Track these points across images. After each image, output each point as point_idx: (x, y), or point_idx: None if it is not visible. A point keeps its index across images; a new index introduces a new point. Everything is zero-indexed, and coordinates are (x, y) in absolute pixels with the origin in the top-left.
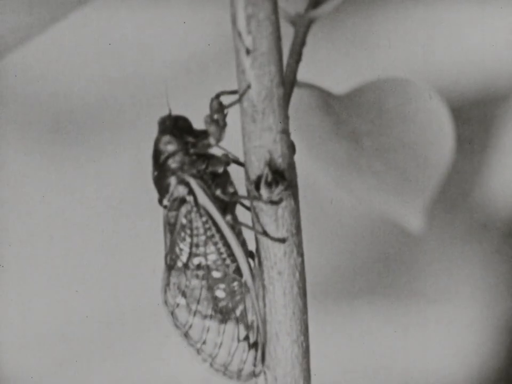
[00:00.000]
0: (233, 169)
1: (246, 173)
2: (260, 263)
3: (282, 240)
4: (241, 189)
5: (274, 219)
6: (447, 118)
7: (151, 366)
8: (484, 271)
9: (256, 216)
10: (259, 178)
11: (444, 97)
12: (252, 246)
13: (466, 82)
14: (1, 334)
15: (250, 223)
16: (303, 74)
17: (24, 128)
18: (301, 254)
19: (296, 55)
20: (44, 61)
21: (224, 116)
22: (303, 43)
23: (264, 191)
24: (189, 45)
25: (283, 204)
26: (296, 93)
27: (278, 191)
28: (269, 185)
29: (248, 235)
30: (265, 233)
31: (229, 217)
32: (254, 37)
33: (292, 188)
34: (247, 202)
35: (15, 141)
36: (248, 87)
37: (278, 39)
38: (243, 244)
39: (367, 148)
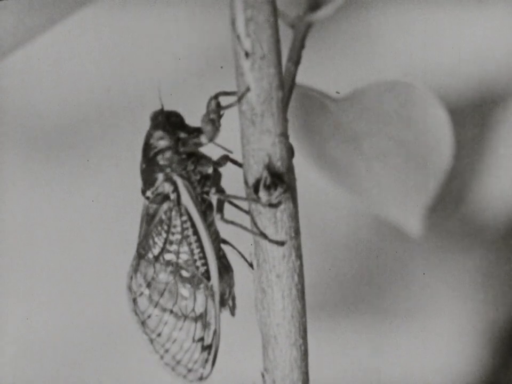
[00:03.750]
0: (230, 173)
1: (245, 175)
2: (259, 266)
3: (281, 243)
4: (240, 193)
5: (273, 222)
6: (446, 121)
7: (152, 372)
8: (482, 275)
9: (254, 219)
10: (258, 181)
11: (443, 100)
12: (248, 249)
13: (465, 84)
14: (0, 341)
15: (247, 226)
16: (302, 77)
17: (23, 131)
18: (299, 257)
19: (295, 58)
20: (43, 62)
21: (220, 116)
22: (302, 46)
23: (263, 194)
24: (188, 48)
25: (282, 206)
26: (295, 96)
27: (276, 194)
28: (267, 188)
29: (246, 237)
30: (264, 236)
31: (219, 216)
32: (253, 40)
33: (291, 190)
34: (244, 205)
35: (13, 143)
36: (247, 89)
37: (277, 42)
38: (218, 249)
39: (366, 151)
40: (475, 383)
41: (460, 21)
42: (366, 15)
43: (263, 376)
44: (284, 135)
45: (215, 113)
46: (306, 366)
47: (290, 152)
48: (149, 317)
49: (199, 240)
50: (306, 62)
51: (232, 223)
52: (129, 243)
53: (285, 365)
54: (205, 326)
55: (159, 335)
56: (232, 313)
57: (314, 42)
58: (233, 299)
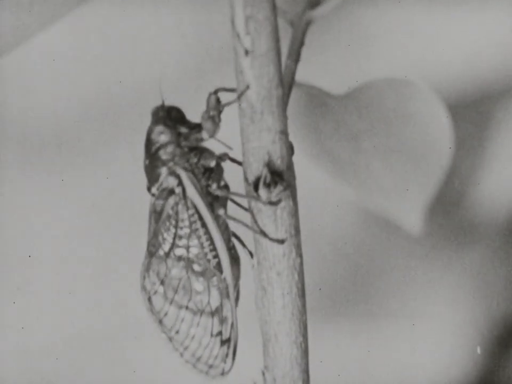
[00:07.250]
0: (231, 170)
1: (245, 173)
2: (259, 264)
3: (281, 241)
4: (240, 190)
5: (273, 220)
6: (445, 118)
7: (154, 373)
8: (481, 274)
9: (254, 217)
10: (258, 179)
11: (442, 98)
12: (250, 247)
13: (464, 82)
14: (1, 343)
15: (248, 223)
16: (301, 74)
17: (22, 130)
18: (299, 254)
19: (295, 56)
20: (42, 61)
21: (220, 112)
22: (301, 43)
23: (262, 192)
24: (188, 45)
25: (282, 204)
26: (295, 94)
27: (276, 191)
28: (267, 186)
29: (247, 235)
30: (264, 234)
31: (222, 211)
32: (253, 38)
33: (291, 188)
34: (244, 203)
35: (13, 143)
36: (247, 87)
37: (276, 39)
38: (228, 240)
39: (366, 148)
40: (473, 383)
41: (459, 19)
42: (365, 12)
43: (263, 374)
44: (284, 132)
45: (214, 110)
46: (306, 364)
47: (290, 149)
48: (165, 314)
49: (208, 232)
50: (305, 60)
51: (234, 219)
52: (139, 243)
53: (285, 363)
54: (222, 320)
55: (177, 332)
56: (235, 305)
57: (314, 39)
58: (238, 291)
